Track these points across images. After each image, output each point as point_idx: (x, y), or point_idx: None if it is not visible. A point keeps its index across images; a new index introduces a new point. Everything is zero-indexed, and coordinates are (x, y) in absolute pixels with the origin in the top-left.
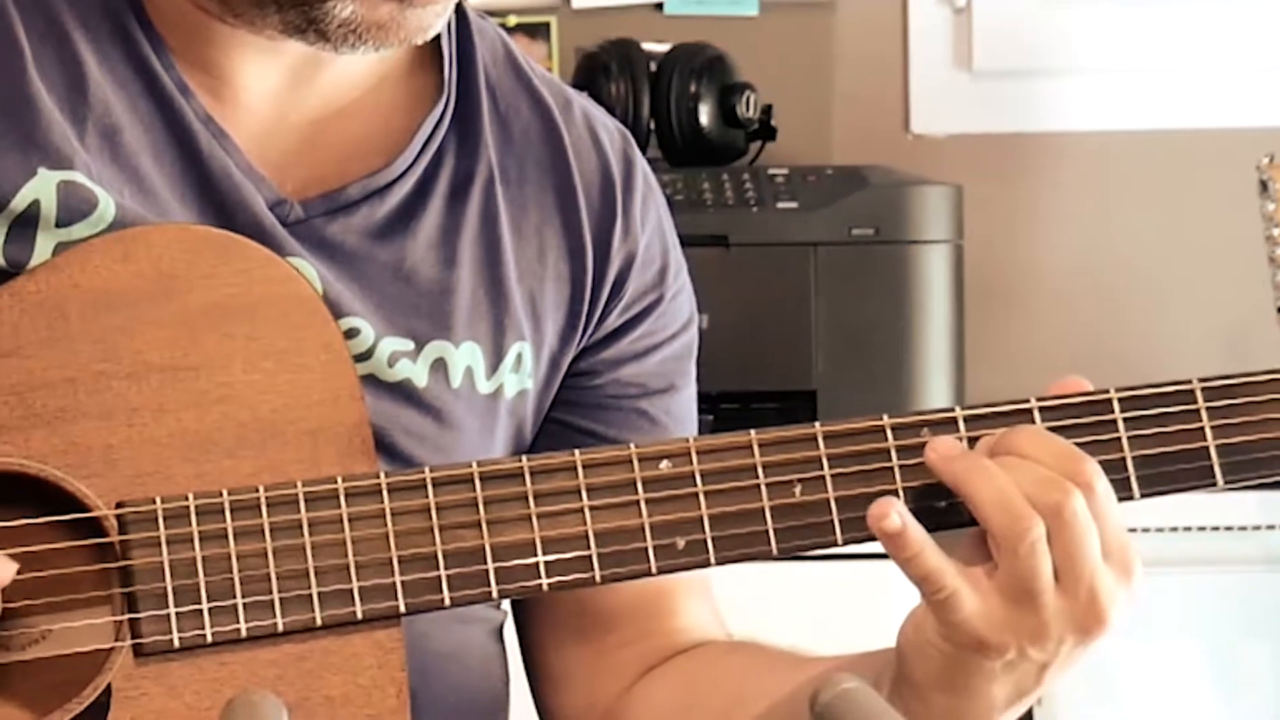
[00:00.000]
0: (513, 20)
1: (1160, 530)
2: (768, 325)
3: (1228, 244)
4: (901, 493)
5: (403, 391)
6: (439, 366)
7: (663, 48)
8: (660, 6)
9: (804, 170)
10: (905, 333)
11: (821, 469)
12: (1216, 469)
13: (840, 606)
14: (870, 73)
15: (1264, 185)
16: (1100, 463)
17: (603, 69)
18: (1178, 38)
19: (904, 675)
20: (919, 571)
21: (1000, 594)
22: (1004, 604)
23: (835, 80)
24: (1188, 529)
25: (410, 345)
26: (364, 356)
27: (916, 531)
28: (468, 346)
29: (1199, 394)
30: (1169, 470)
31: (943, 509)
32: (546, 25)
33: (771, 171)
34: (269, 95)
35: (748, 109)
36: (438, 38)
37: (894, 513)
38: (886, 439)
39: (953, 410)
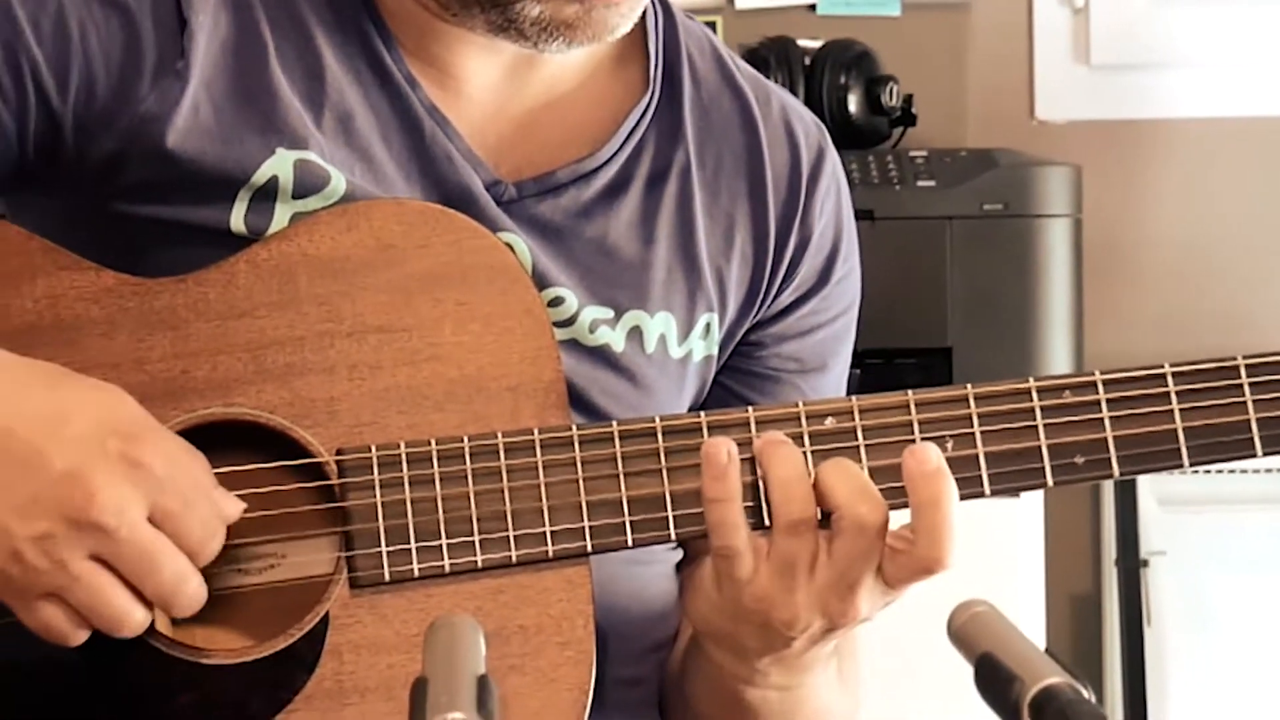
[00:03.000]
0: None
1: (1267, 471)
2: (908, 290)
3: None
4: (1045, 449)
5: (602, 355)
6: (635, 334)
7: (816, 44)
8: (813, 7)
9: (941, 152)
10: (1030, 297)
11: (972, 426)
12: None
13: (977, 543)
14: (999, 66)
15: None
16: (1227, 424)
17: (762, 63)
18: (1272, 34)
19: (685, 609)
20: (717, 517)
21: (770, 566)
22: (770, 576)
23: (968, 72)
24: None
25: (610, 314)
26: (567, 323)
27: (735, 479)
28: (662, 316)
29: None
30: None
31: (1080, 465)
32: (713, 24)
33: (912, 154)
34: (488, 87)
35: (891, 98)
36: (646, 37)
37: (725, 451)
38: (1031, 399)
39: (1092, 374)
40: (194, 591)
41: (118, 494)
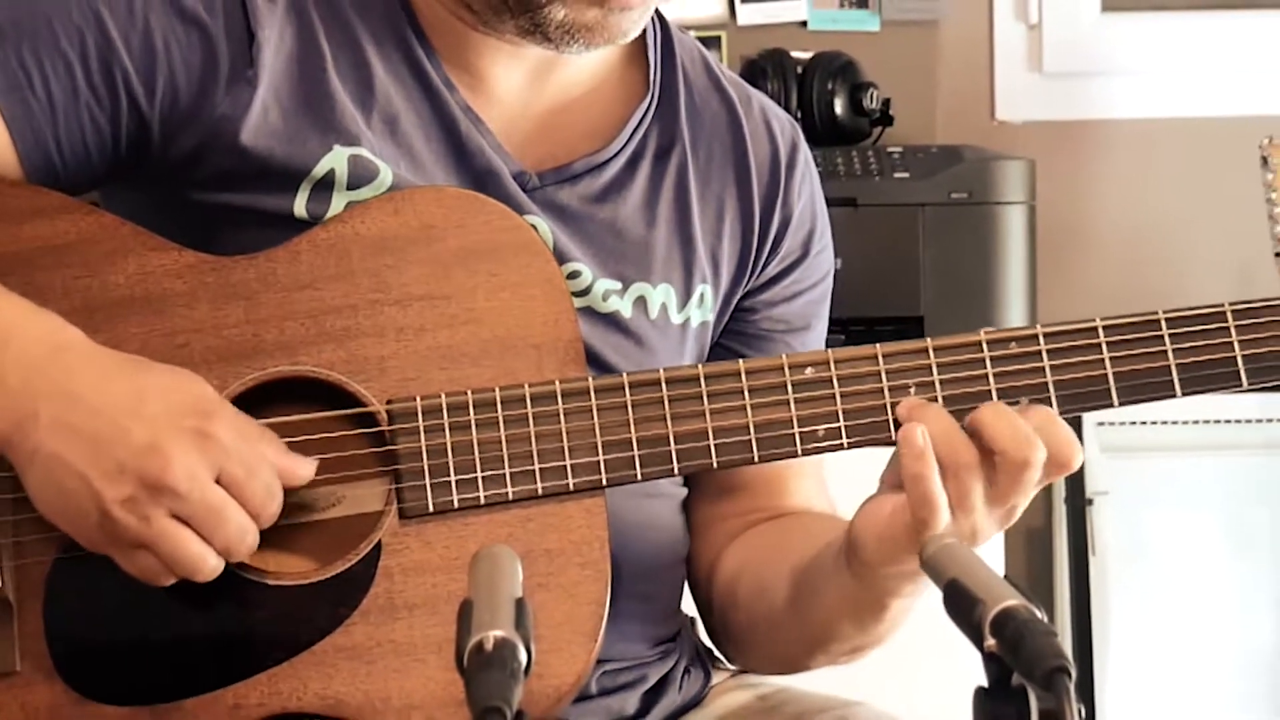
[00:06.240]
0: (691, 34)
1: (1195, 422)
2: (886, 267)
3: (1238, 204)
4: (994, 392)
5: (613, 321)
6: (640, 303)
7: (807, 55)
8: (805, 24)
9: (914, 149)
10: (991, 273)
11: (931, 374)
12: (1242, 373)
13: None
14: (964, 74)
15: (1265, 160)
16: (1150, 369)
17: (761, 72)
18: (1201, 45)
19: (855, 554)
20: (920, 492)
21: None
22: (955, 518)
23: (938, 80)
24: (1210, 421)
25: (619, 285)
26: (584, 293)
27: (932, 459)
28: (663, 287)
29: (1229, 314)
30: (1205, 374)
31: (1025, 405)
32: (718, 37)
33: (889, 149)
34: (513, 90)
35: (871, 102)
36: (647, 46)
37: (919, 433)
38: (982, 350)
39: (1035, 328)
40: (253, 543)
41: (189, 462)
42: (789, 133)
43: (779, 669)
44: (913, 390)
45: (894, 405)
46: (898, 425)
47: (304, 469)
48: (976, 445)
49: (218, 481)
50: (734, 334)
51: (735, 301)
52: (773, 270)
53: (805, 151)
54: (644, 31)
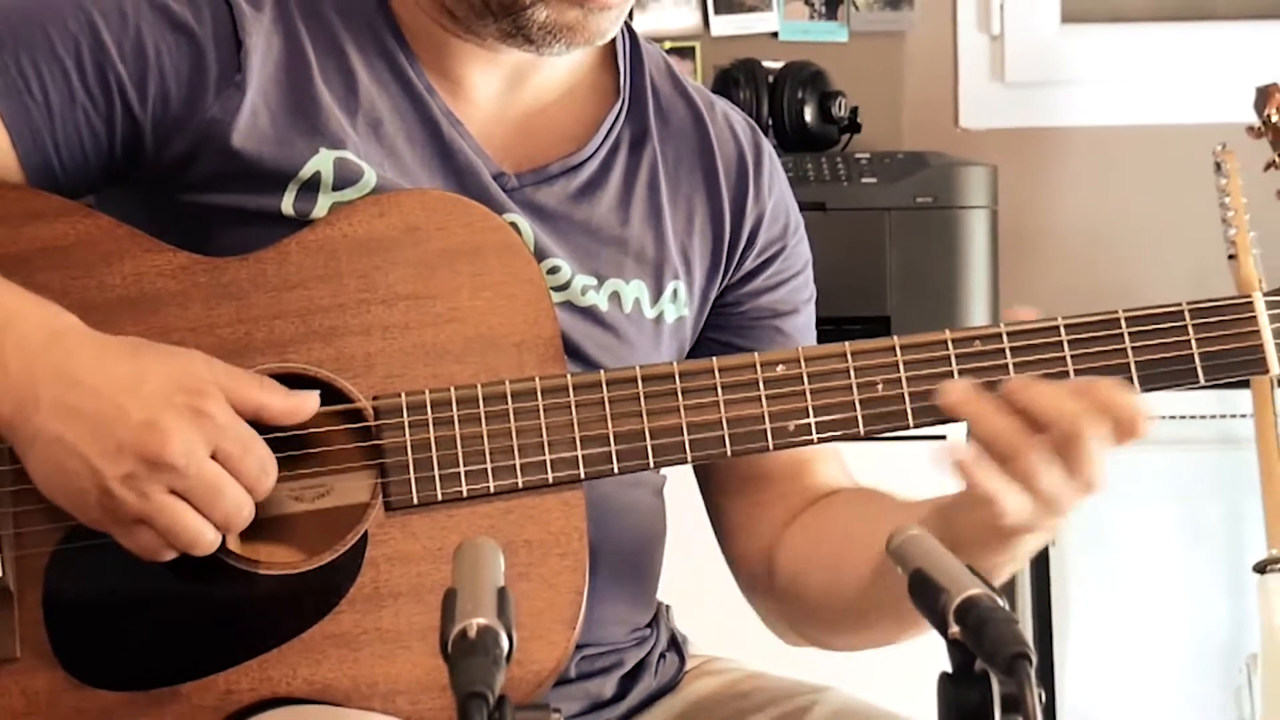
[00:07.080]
0: (666, 45)
1: (1153, 418)
2: (855, 269)
3: (1193, 208)
4: None
5: (591, 315)
6: (614, 297)
7: (777, 65)
8: (776, 34)
9: (881, 155)
10: (955, 275)
11: (898, 371)
12: (1200, 370)
13: (911, 481)
14: (929, 83)
15: (1218, 165)
16: (1110, 367)
17: (733, 81)
18: (1157, 55)
19: (951, 534)
20: (982, 491)
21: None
22: (1035, 507)
23: (904, 88)
24: (1167, 417)
25: (595, 281)
26: (564, 287)
27: (981, 464)
28: (635, 283)
29: (1187, 313)
30: (1163, 371)
31: None
32: (692, 48)
33: (857, 156)
34: (491, 95)
35: (840, 110)
36: (616, 54)
37: (950, 449)
38: (948, 348)
39: (998, 327)
40: (249, 516)
41: (185, 438)
42: (750, 135)
43: (857, 648)
44: (880, 386)
45: (862, 401)
46: (865, 420)
47: (309, 403)
48: (1027, 421)
49: (213, 456)
50: (722, 327)
51: (713, 297)
52: (751, 264)
53: (769, 150)
54: (613, 39)
